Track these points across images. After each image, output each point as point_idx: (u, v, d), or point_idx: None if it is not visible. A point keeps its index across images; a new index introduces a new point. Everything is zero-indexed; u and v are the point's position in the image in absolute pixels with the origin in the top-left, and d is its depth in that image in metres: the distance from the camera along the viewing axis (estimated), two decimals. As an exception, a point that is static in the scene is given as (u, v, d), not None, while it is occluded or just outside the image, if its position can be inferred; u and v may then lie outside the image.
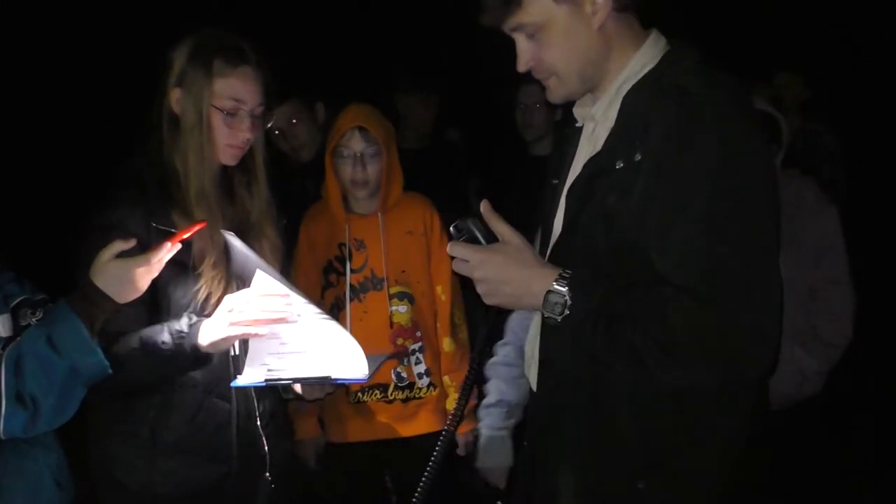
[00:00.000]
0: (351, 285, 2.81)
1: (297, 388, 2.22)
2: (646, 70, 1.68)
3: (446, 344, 2.92)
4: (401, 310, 2.83)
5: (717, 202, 1.51)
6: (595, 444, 1.68)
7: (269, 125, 2.19)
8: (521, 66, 1.74)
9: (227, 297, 2.03)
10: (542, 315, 1.65)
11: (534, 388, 1.84)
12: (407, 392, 2.84)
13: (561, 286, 1.59)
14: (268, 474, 2.20)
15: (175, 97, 2.09)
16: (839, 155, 4.60)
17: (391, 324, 2.81)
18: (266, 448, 2.20)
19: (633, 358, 1.55)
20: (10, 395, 1.78)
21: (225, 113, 2.08)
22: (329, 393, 2.33)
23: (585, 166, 1.71)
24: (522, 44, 1.71)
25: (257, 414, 2.19)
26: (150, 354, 1.99)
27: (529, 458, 1.87)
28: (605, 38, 1.67)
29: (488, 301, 1.68)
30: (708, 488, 1.64)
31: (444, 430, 1.83)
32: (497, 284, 1.64)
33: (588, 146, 1.76)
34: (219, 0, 5.13)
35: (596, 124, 1.75)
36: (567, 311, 1.58)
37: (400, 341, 2.82)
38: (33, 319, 1.95)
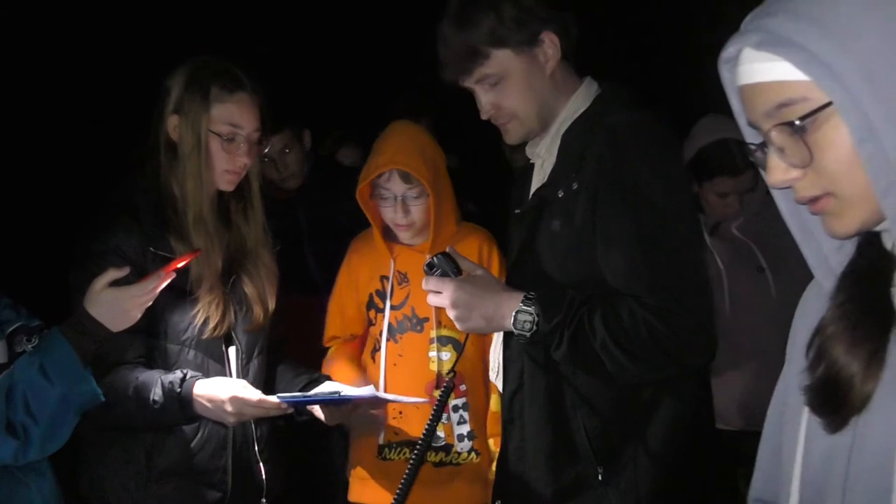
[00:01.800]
0: (388, 324, 2.41)
1: (318, 412, 2.11)
2: (580, 111, 1.88)
3: (494, 402, 2.40)
4: (444, 357, 2.36)
5: (649, 222, 1.72)
6: (555, 435, 1.85)
7: (265, 151, 2.16)
8: (484, 115, 1.90)
9: (233, 395, 1.92)
10: (513, 333, 1.81)
11: (500, 390, 2.02)
12: (442, 455, 2.38)
13: (528, 306, 1.76)
14: (264, 501, 2.14)
15: (173, 123, 2.05)
16: None
17: (430, 372, 2.39)
18: (263, 474, 2.14)
19: (595, 363, 1.74)
20: (0, 424, 1.72)
21: (223, 138, 2.04)
22: (349, 416, 2.14)
23: (532, 197, 1.92)
24: (484, 94, 1.87)
25: (255, 439, 2.13)
26: (141, 406, 1.94)
27: (504, 451, 2.01)
28: (555, 82, 1.88)
29: (462, 326, 1.84)
30: (655, 470, 1.81)
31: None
32: (469, 310, 1.81)
33: (538, 179, 1.95)
34: (207, 30, 5.10)
35: (543, 160, 1.94)
36: (535, 328, 1.76)
37: (438, 393, 2.26)
38: (29, 346, 1.90)
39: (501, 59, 1.82)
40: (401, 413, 2.40)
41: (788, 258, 2.78)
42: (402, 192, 2.36)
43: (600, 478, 1.81)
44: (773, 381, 2.92)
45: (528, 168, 2.06)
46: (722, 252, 2.78)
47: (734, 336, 2.69)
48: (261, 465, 2.14)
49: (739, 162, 2.74)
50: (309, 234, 3.37)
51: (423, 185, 2.35)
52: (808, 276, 2.93)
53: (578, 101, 1.90)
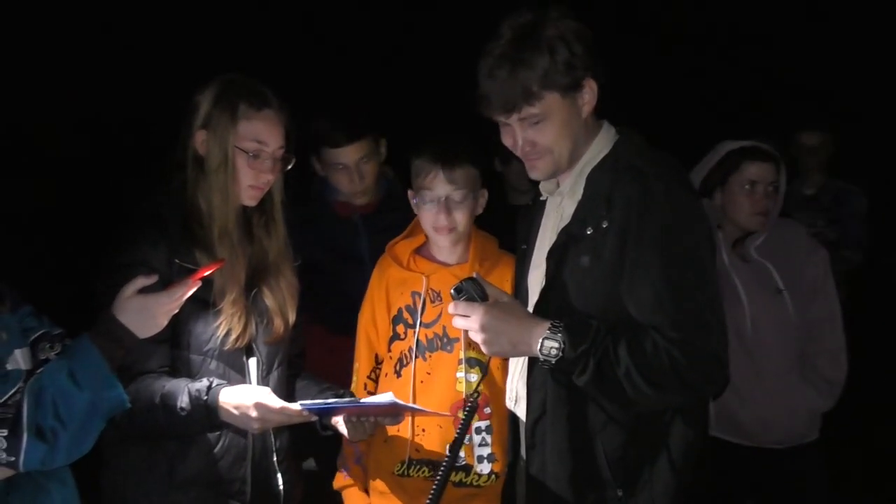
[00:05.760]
0: (418, 341, 2.35)
1: (342, 427, 2.08)
2: (603, 154, 1.94)
3: None
4: (471, 378, 2.29)
5: (676, 260, 1.79)
6: (576, 461, 1.90)
7: (288, 167, 2.15)
8: (519, 151, 1.93)
9: (257, 402, 1.91)
10: (538, 359, 1.83)
11: (522, 418, 2.01)
12: (462, 475, 2.31)
13: (555, 333, 1.80)
14: (282, 510, 2.10)
15: (200, 139, 2.04)
16: (864, 217, 4.45)
17: (456, 392, 2.32)
18: (281, 485, 2.11)
19: (619, 392, 1.79)
20: (30, 428, 1.67)
21: (249, 154, 2.03)
22: (372, 434, 2.13)
23: (560, 234, 1.93)
24: (522, 131, 1.89)
25: (274, 449, 2.10)
26: (168, 414, 1.92)
27: (525, 476, 2.01)
28: (586, 126, 1.93)
29: (488, 350, 1.86)
30: (671, 490, 1.89)
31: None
32: (496, 334, 1.83)
33: (555, 216, 2.00)
34: (240, 49, 5.11)
35: (563, 198, 1.98)
36: (561, 354, 1.78)
37: (462, 414, 2.18)
38: (52, 353, 1.87)
39: (549, 101, 1.85)
40: (423, 430, 2.34)
41: (802, 278, 2.80)
42: (445, 193, 2.29)
43: (620, 501, 1.87)
44: (792, 398, 2.93)
45: (536, 204, 2.11)
46: (741, 274, 2.76)
47: (756, 355, 2.69)
48: (279, 475, 2.11)
49: (766, 152, 2.77)
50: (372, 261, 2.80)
51: (466, 189, 2.30)
52: (817, 296, 2.94)
53: (600, 144, 1.96)
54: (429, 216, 2.33)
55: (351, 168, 2.88)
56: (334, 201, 3.01)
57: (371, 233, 2.90)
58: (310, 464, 3.02)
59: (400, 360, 2.38)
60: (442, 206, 2.30)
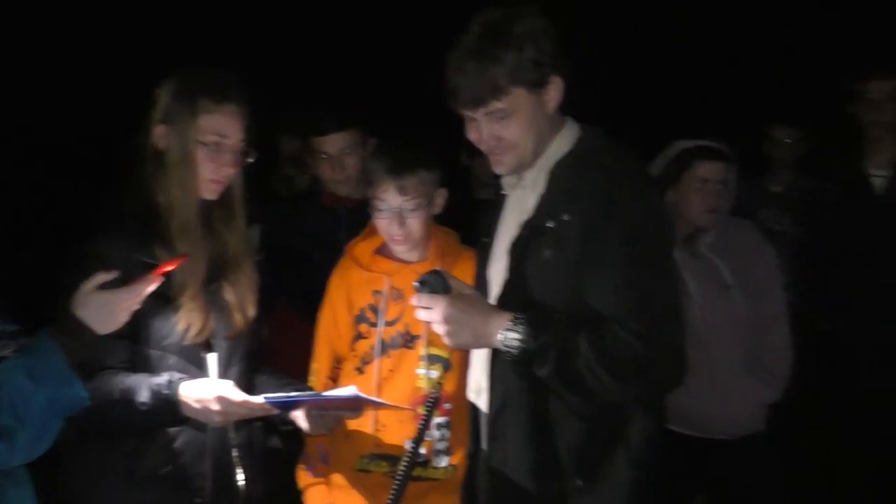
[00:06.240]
0: (381, 339, 2.36)
1: (301, 421, 2.09)
2: (566, 149, 1.96)
3: None
4: (432, 375, 2.31)
5: (638, 254, 1.82)
6: (537, 452, 1.92)
7: (249, 161, 2.14)
8: (483, 145, 1.95)
9: (219, 395, 1.91)
10: (500, 351, 1.86)
11: (484, 409, 2.03)
12: (419, 469, 2.31)
13: (516, 325, 1.82)
14: (243, 506, 2.09)
15: (160, 132, 2.02)
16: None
17: (417, 388, 2.33)
18: (242, 481, 2.09)
19: (580, 383, 1.81)
20: None
21: (209, 147, 2.01)
22: (333, 429, 2.15)
23: (522, 228, 1.95)
24: (488, 126, 1.91)
25: (234, 445, 2.09)
26: (128, 409, 1.90)
27: (486, 468, 2.04)
28: (551, 121, 1.95)
29: (451, 342, 1.88)
30: (630, 480, 1.93)
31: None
32: (459, 326, 1.85)
33: (517, 210, 2.01)
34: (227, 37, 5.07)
35: (525, 192, 1.99)
36: (522, 346, 1.80)
37: (422, 410, 2.21)
38: (8, 351, 1.84)
39: (516, 96, 1.87)
40: (384, 426, 2.35)
41: (751, 275, 2.86)
42: (397, 204, 2.29)
43: (580, 491, 1.91)
44: (739, 391, 3.01)
45: (499, 199, 2.13)
46: (691, 270, 2.81)
47: (704, 349, 2.73)
48: (240, 471, 2.10)
49: (718, 150, 2.84)
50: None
51: (419, 198, 2.30)
52: (765, 292, 3.01)
53: (564, 140, 1.97)
54: (383, 225, 2.34)
55: (333, 157, 3.01)
56: (322, 192, 3.14)
57: (352, 226, 2.87)
58: (274, 442, 3.01)
59: (363, 358, 2.39)
60: (394, 216, 2.30)
